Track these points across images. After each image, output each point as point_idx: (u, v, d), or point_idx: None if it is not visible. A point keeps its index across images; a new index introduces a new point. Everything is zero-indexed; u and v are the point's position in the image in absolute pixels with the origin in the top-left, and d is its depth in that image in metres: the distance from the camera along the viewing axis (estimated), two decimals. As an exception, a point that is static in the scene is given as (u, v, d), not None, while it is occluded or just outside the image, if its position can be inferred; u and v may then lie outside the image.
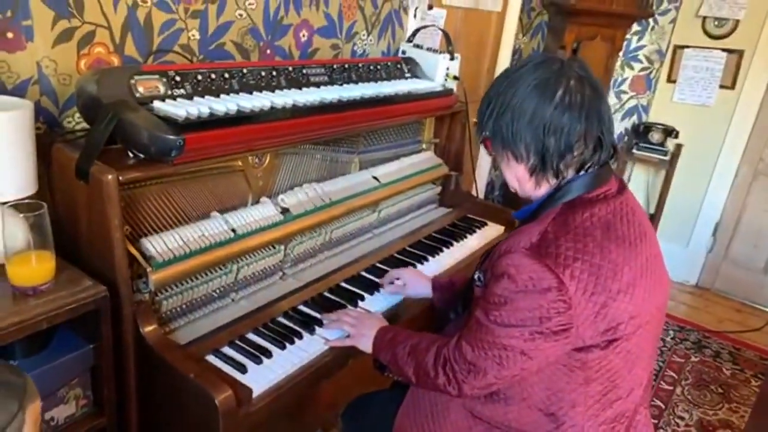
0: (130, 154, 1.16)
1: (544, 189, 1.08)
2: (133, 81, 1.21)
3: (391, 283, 1.55)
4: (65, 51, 1.27)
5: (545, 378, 1.03)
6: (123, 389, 1.18)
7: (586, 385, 1.02)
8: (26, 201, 1.04)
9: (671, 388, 2.54)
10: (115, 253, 1.11)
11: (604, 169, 1.07)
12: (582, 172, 1.05)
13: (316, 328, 1.37)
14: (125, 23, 1.35)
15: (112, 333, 1.13)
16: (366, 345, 1.25)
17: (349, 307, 1.45)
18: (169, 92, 1.26)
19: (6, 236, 1.03)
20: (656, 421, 2.32)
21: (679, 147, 3.29)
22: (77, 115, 1.31)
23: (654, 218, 3.35)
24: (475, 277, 1.11)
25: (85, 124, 1.27)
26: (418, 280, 1.53)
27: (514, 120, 1.02)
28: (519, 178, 1.09)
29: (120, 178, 1.09)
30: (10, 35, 1.17)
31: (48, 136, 1.23)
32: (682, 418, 2.35)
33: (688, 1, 3.20)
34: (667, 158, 3.23)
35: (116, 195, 1.09)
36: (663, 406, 2.41)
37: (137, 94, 1.20)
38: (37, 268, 1.03)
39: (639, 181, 3.58)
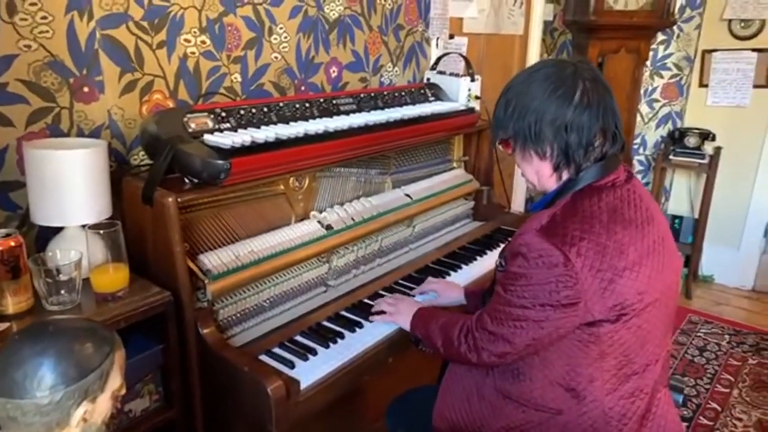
0: (186, 181, 1.35)
1: (558, 182, 1.17)
2: (185, 119, 1.41)
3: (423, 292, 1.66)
4: (130, 99, 1.50)
5: (563, 354, 1.11)
6: (188, 385, 1.34)
7: (601, 359, 1.09)
8: (103, 222, 1.24)
9: (728, 390, 2.49)
10: (177, 265, 1.29)
11: (611, 160, 1.15)
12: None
13: (357, 329, 1.50)
14: (178, 72, 1.58)
15: (176, 335, 1.29)
16: (404, 322, 1.43)
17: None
18: (217, 126, 1.45)
19: (89, 253, 1.22)
20: (712, 423, 2.28)
21: (717, 150, 3.27)
22: (141, 153, 1.53)
23: (699, 223, 3.33)
24: (497, 263, 1.22)
25: (148, 161, 1.48)
26: (450, 290, 1.64)
27: (538, 121, 1.12)
28: (540, 173, 1.18)
29: (179, 199, 1.27)
30: (86, 89, 1.41)
31: (118, 171, 1.44)
32: (740, 419, 2.31)
33: (711, 7, 3.25)
34: (705, 161, 3.23)
35: (176, 214, 1.27)
36: (719, 409, 2.37)
37: (190, 130, 1.40)
38: (114, 277, 1.22)
39: (681, 186, 3.56)
